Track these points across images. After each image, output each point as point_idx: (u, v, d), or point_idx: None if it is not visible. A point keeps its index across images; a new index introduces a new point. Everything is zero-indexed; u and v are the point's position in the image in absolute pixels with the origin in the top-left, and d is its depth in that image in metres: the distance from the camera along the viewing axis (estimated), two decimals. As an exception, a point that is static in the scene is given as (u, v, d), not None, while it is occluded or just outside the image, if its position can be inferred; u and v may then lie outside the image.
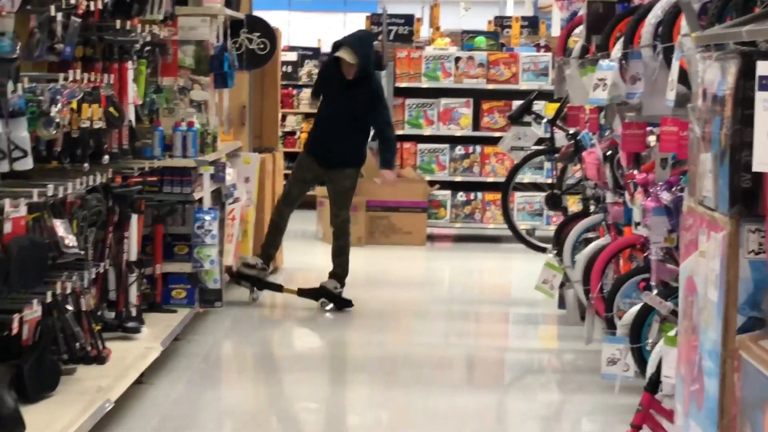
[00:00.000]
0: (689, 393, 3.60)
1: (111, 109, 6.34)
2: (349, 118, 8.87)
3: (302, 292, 9.02)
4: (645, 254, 6.03)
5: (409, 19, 14.07)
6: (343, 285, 8.97)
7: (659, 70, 5.10)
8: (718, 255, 3.33)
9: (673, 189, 5.23)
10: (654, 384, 4.56)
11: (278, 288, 9.16)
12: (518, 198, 12.23)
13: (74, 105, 5.93)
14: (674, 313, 4.68)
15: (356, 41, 8.87)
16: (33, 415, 4.98)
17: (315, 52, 17.43)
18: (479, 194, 12.76)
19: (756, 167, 2.86)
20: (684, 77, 4.62)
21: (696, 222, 3.60)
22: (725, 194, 3.32)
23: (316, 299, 8.93)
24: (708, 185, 3.51)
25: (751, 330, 3.26)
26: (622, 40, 5.91)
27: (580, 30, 7.56)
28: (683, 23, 4.63)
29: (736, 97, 3.26)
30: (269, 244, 9.14)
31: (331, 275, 8.99)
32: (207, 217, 7.80)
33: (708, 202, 3.51)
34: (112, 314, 6.90)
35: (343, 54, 8.72)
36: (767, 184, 3.17)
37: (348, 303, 8.91)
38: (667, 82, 4.79)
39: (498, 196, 11.89)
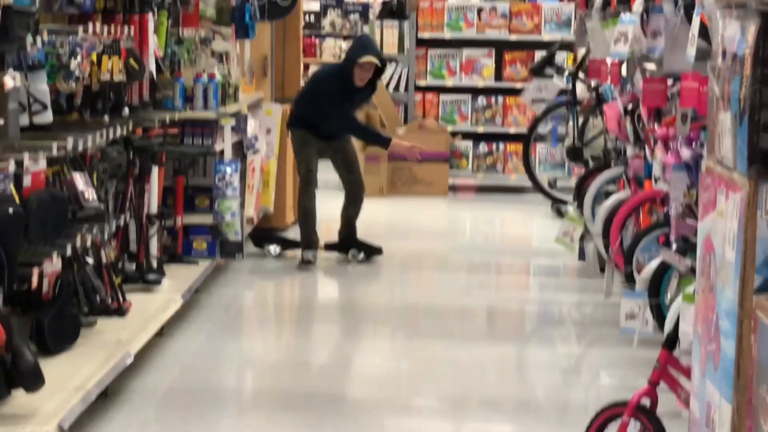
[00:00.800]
0: (706, 353, 3.57)
1: (131, 62, 6.31)
2: (348, 116, 8.83)
3: (328, 247, 8.98)
4: (665, 209, 6.00)
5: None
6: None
7: (680, 25, 5.04)
8: (736, 215, 3.29)
9: (693, 145, 5.18)
10: (672, 341, 4.52)
11: (298, 245, 9.05)
12: (540, 149, 12.17)
13: (94, 57, 5.91)
14: (693, 270, 4.64)
15: (374, 47, 8.80)
16: (53, 368, 4.99)
17: (338, 2, 17.32)
18: (501, 145, 12.71)
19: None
20: (705, 32, 4.56)
21: (714, 182, 3.56)
22: (744, 154, 3.28)
23: (345, 251, 8.89)
24: (727, 145, 3.46)
25: (768, 291, 3.23)
26: (643, -7, 5.84)
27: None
28: (705, -22, 4.56)
29: (756, 57, 3.20)
30: (311, 231, 8.75)
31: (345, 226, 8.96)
32: (228, 169, 7.79)
33: (726, 162, 3.47)
34: (133, 266, 6.92)
35: (372, 59, 8.56)
36: (787, 145, 3.13)
37: (377, 250, 8.87)
38: (687, 37, 4.72)
39: (520, 147, 11.84)
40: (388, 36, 12.87)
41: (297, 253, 8.80)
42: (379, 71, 8.71)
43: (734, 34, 3.41)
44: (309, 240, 8.71)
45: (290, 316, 7.82)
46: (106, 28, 6.13)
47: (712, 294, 3.52)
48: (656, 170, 5.95)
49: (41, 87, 5.21)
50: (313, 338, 7.12)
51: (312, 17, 16.14)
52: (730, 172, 3.40)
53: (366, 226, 9.26)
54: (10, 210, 4.54)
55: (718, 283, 3.46)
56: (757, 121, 3.23)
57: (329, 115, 8.61)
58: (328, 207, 9.48)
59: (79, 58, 5.64)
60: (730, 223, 3.33)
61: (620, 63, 7.15)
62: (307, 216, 8.74)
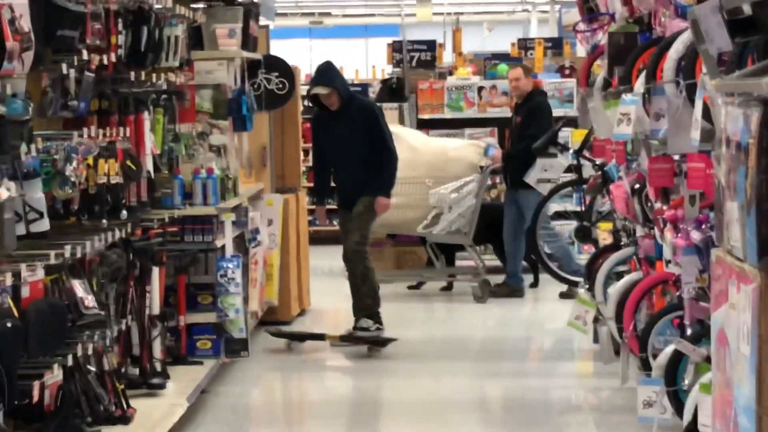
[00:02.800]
0: (726, 449, 3.55)
1: (128, 163, 6.36)
2: (353, 153, 9.06)
3: (346, 338, 8.99)
4: (678, 291, 5.97)
5: (431, 45, 14.06)
6: (377, 317, 9.01)
7: (683, 107, 5.05)
8: (748, 308, 3.29)
9: (703, 227, 5.17)
10: (691, 432, 4.50)
11: (320, 337, 9.06)
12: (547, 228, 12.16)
13: (90, 161, 5.95)
14: (708, 358, 4.62)
15: (320, 75, 9.09)
16: (57, 483, 4.96)
17: (337, 83, 17.41)
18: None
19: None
20: (708, 113, 4.57)
21: (725, 272, 3.56)
22: (753, 245, 3.28)
23: (364, 344, 8.89)
24: (736, 235, 3.46)
25: (786, 385, 3.21)
26: (644, 73, 5.87)
27: (602, 60, 7.52)
28: (705, 61, 4.58)
29: (760, 146, 3.22)
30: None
31: (359, 309, 9.03)
32: (230, 265, 7.79)
33: (737, 252, 3.47)
34: (137, 370, 6.89)
35: (317, 90, 8.99)
36: (796, 235, 3.13)
37: (390, 340, 8.88)
38: (691, 119, 4.74)
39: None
40: (388, 117, 12.94)
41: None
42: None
43: (737, 123, 3.43)
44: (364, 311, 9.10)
45: (300, 414, 7.78)
46: (101, 131, 6.18)
47: (728, 389, 3.50)
48: (667, 252, 5.93)
49: (37, 195, 5.23)
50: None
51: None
52: (741, 263, 3.40)
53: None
54: (9, 324, 4.55)
55: (734, 378, 3.44)
56: (766, 212, 3.23)
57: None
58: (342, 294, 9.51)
59: (74, 163, 5.67)
60: (743, 317, 3.33)
61: (625, 142, 7.17)
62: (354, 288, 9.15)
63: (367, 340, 8.85)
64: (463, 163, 11.24)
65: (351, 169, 9.09)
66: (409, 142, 11.17)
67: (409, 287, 11.62)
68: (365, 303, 9.02)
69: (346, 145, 9.06)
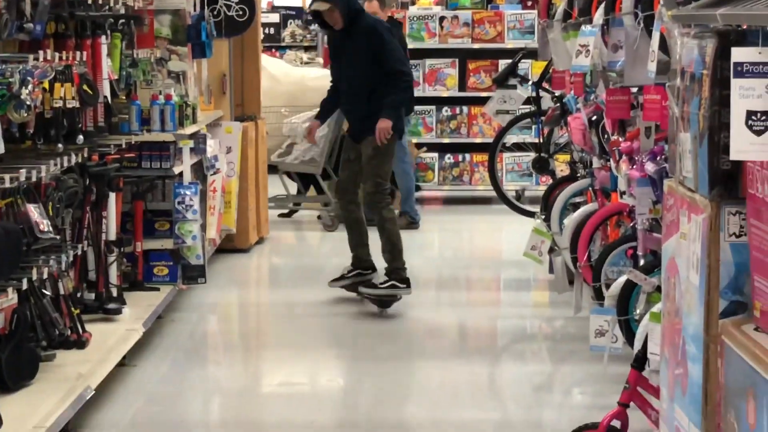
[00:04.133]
0: (674, 377, 3.58)
1: (84, 87, 6.29)
2: (358, 80, 7.87)
3: (346, 284, 8.20)
4: (632, 222, 6.01)
5: (394, -23, 13.96)
6: (396, 273, 7.86)
7: (641, 39, 5.05)
8: (698, 238, 3.31)
9: (658, 159, 5.20)
10: (641, 361, 4.55)
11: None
12: (506, 159, 12.20)
13: (46, 85, 5.89)
14: (659, 288, 4.66)
15: None
16: (11, 406, 4.96)
17: (298, 12, 17.32)
18: (467, 156, 12.72)
19: (733, 156, 2.83)
20: (665, 45, 4.57)
21: (677, 202, 3.57)
22: (705, 176, 3.29)
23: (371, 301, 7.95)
24: (688, 166, 3.48)
25: (733, 314, 3.24)
26: (603, 5, 5.85)
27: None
28: (663, -9, 4.58)
29: (713, 78, 3.22)
30: (353, 245, 8.11)
31: (386, 271, 7.93)
32: (188, 192, 7.76)
33: (688, 183, 3.49)
34: (92, 296, 6.88)
35: (316, 6, 7.82)
36: (747, 167, 3.14)
37: (393, 298, 7.93)
38: (648, 51, 4.74)
39: (486, 157, 11.84)
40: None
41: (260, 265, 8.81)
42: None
43: (692, 54, 3.43)
44: (353, 253, 8.16)
45: (256, 341, 7.79)
46: (57, 55, 6.11)
47: (678, 318, 3.53)
48: (622, 184, 5.96)
49: (-9, 119, 5.19)
50: (279, 364, 7.07)
51: (272, 29, 16.15)
52: (692, 194, 3.42)
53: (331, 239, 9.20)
54: (-37, 247, 4.52)
55: (683, 307, 3.47)
56: (717, 143, 3.24)
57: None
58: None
59: (30, 86, 5.60)
60: (694, 246, 3.35)
61: (583, 74, 7.17)
62: (347, 228, 8.21)
63: (373, 297, 7.88)
64: (321, 92, 11.10)
65: (356, 99, 7.89)
66: (270, 72, 11.09)
67: (280, 215, 11.57)
68: (384, 257, 7.91)
69: (351, 70, 7.90)
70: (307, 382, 6.75)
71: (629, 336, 5.55)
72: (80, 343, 6.10)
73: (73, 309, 6.17)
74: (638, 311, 5.43)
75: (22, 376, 5.45)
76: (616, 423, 4.50)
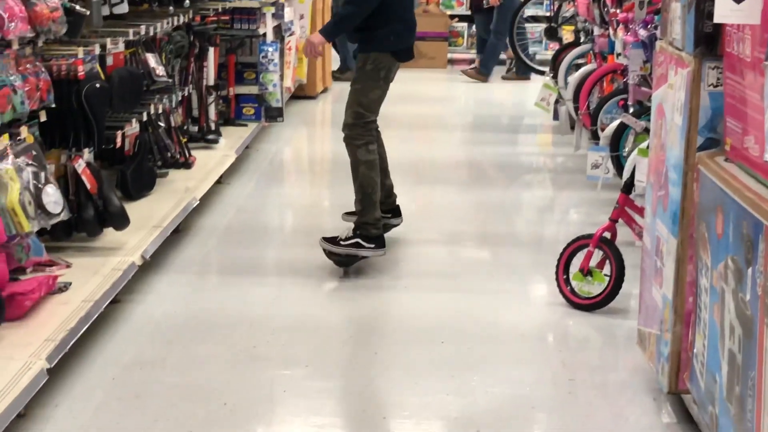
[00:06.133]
0: (657, 197, 3.60)
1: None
2: None
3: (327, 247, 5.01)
4: (624, 79, 5.95)
5: None
6: (364, 227, 4.97)
7: None
8: (683, 87, 3.28)
9: (649, 26, 5.11)
10: (628, 186, 4.55)
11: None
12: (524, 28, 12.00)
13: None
14: (646, 129, 4.64)
15: None
16: (136, 210, 5.05)
17: None
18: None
19: (717, 19, 2.78)
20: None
21: (666, 59, 3.53)
22: (691, 37, 3.24)
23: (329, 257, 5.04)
24: (677, 29, 3.42)
25: (708, 149, 3.23)
26: None
27: None
28: None
29: (702, -44, 3.15)
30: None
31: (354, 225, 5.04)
32: (270, 49, 7.72)
33: (677, 43, 3.44)
34: (196, 128, 6.92)
35: None
36: (725, 30, 3.09)
37: (355, 258, 4.96)
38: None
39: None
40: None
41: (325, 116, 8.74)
42: None
43: (685, -63, 3.34)
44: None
45: (321, 168, 7.84)
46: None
47: (662, 151, 3.53)
48: (618, 47, 5.89)
49: (118, -17, 5.15)
50: (339, 185, 7.09)
51: None
52: (680, 52, 3.38)
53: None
54: (98, 85, 4.54)
55: (667, 143, 3.47)
56: (702, 10, 3.19)
57: None
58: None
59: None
60: (679, 94, 3.32)
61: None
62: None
63: (332, 253, 4.94)
64: None
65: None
66: None
67: (334, 72, 11.11)
68: (355, 208, 5.06)
69: None
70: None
71: (619, 168, 5.55)
72: (187, 165, 6.17)
73: (181, 138, 6.22)
74: (627, 149, 5.42)
75: (143, 188, 5.54)
76: (607, 234, 4.53)
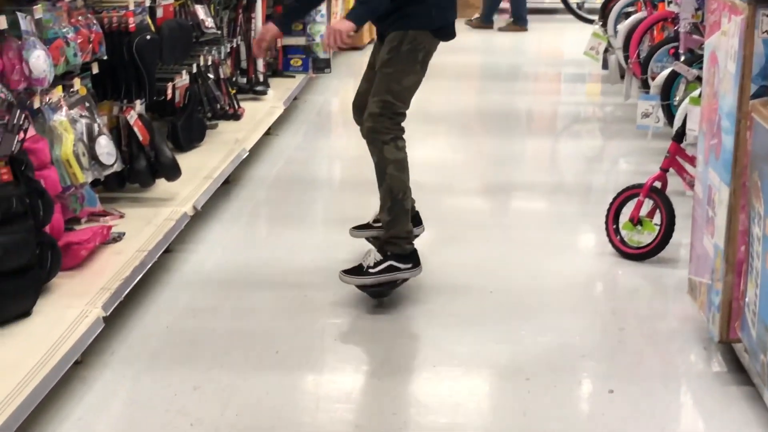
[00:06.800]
0: (709, 146, 3.56)
1: None
2: None
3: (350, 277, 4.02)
4: (675, 27, 5.88)
5: None
6: (394, 244, 3.95)
7: None
8: (736, 34, 3.23)
9: (701, -27, 5.04)
10: (680, 135, 4.51)
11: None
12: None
13: None
14: (697, 77, 4.59)
15: None
16: (186, 161, 5.09)
17: None
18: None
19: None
20: None
21: (719, 6, 3.48)
22: (745, -17, 3.20)
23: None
24: (731, -25, 3.37)
25: (762, 96, 3.19)
26: None
27: None
28: None
29: None
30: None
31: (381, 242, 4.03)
32: None
33: (730, -11, 3.39)
34: (244, 80, 6.94)
35: None
36: (781, -25, 3.04)
37: (393, 285, 3.98)
38: None
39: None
40: None
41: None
42: None
43: None
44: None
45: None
46: None
47: (715, 99, 3.49)
48: (669, -6, 5.81)
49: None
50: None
51: None
52: (733, -1, 3.33)
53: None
54: (148, 36, 4.56)
55: (720, 91, 3.43)
56: (758, -44, 3.14)
57: None
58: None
59: None
60: (732, 41, 3.28)
61: None
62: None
63: (364, 287, 3.94)
64: None
65: None
66: None
67: None
68: (381, 218, 4.05)
69: None
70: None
71: (669, 117, 5.50)
72: (236, 116, 6.20)
73: (230, 89, 6.24)
74: (678, 97, 5.37)
75: (193, 139, 5.58)
76: (658, 184, 4.50)
